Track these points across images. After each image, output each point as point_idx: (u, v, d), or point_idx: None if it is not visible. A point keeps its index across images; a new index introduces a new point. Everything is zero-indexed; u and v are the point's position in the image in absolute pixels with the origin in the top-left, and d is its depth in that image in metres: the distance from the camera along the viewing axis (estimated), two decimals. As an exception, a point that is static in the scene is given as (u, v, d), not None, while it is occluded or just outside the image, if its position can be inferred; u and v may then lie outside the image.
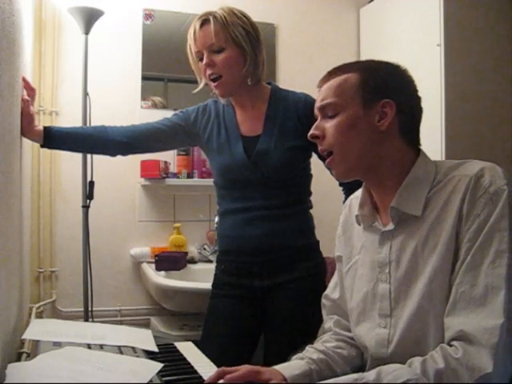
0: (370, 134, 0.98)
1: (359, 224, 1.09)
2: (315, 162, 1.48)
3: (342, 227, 1.17)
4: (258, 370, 0.99)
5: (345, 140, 0.99)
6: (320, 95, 1.03)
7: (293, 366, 1.04)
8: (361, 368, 1.08)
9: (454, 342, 0.85)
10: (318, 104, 1.03)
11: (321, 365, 1.06)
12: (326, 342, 1.13)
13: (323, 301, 1.22)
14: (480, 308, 0.84)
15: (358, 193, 1.12)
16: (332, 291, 1.19)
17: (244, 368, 0.98)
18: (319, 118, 1.03)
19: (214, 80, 1.51)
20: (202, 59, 1.52)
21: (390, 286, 0.99)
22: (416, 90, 1.03)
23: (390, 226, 1.00)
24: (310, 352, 1.09)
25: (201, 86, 1.61)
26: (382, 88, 0.99)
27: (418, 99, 1.03)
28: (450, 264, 0.90)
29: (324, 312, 1.22)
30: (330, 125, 1.00)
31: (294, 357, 1.09)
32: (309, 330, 1.51)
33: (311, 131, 1.03)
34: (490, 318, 0.83)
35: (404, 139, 1.00)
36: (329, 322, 1.19)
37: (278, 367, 1.03)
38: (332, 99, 1.00)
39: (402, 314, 0.96)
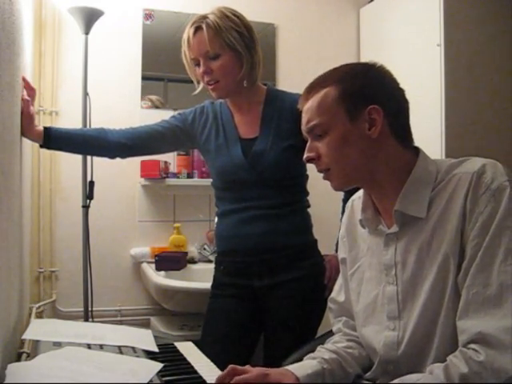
0: (364, 144, 0.97)
1: (364, 228, 1.08)
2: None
3: (346, 229, 1.15)
4: (267, 372, 0.98)
5: (340, 157, 0.98)
6: (304, 117, 1.02)
7: (305, 366, 1.04)
8: (370, 368, 1.07)
9: (472, 345, 0.83)
10: (304, 127, 1.02)
11: (333, 364, 1.05)
12: (336, 343, 1.12)
13: (329, 304, 1.21)
14: (496, 308, 0.82)
15: (360, 193, 1.11)
16: (337, 294, 1.19)
17: (253, 371, 0.96)
18: (309, 140, 1.02)
19: (211, 85, 1.52)
20: (198, 64, 1.52)
21: (397, 288, 0.98)
22: (397, 84, 1.01)
23: (394, 229, 0.99)
24: (322, 352, 1.09)
25: (199, 88, 1.62)
26: (364, 94, 0.97)
27: (402, 92, 1.01)
28: (456, 263, 0.89)
29: (331, 315, 1.21)
30: (322, 144, 1.00)
31: (306, 357, 1.09)
32: (308, 329, 1.51)
33: (306, 154, 1.02)
34: (508, 317, 0.81)
35: (398, 141, 0.99)
36: (337, 324, 1.18)
37: (290, 367, 1.02)
38: (317, 120, 0.99)
39: (411, 315, 0.95)
